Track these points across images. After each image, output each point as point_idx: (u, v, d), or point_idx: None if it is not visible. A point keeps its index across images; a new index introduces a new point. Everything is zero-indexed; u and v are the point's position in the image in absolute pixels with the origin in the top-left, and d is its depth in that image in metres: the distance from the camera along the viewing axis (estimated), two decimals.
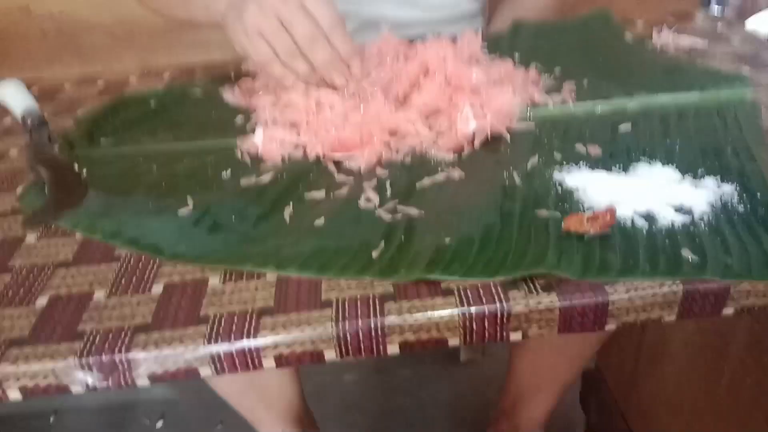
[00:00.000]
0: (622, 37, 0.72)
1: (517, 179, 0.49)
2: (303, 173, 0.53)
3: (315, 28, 0.56)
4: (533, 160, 0.51)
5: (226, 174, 0.54)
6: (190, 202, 0.50)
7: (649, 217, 0.44)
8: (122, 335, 0.38)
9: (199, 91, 0.69)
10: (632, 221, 0.44)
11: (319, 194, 0.50)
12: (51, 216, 0.51)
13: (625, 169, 0.50)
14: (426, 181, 0.51)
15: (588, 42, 0.72)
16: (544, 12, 0.87)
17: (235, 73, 0.73)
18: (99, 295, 0.42)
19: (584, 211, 0.45)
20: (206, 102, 0.67)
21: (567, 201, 0.47)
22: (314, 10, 0.56)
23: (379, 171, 0.52)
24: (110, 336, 0.38)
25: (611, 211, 0.43)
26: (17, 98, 0.69)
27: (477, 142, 0.55)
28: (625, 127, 0.55)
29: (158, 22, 1.33)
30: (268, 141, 0.56)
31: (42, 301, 0.42)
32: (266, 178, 0.53)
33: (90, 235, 0.48)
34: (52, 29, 1.35)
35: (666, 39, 0.72)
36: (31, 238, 0.49)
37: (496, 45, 0.72)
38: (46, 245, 0.48)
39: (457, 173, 0.51)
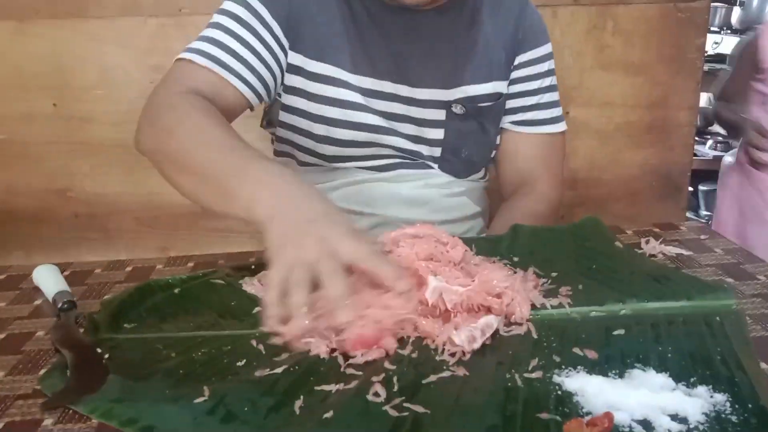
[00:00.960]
0: (612, 244, 0.78)
1: (518, 380, 0.52)
2: (314, 365, 0.56)
3: (338, 266, 0.57)
4: (534, 363, 0.54)
5: (241, 363, 0.57)
6: (206, 391, 0.52)
7: (646, 424, 0.46)
8: None
9: (220, 280, 0.74)
10: (630, 428, 0.46)
11: (329, 387, 0.53)
12: (70, 399, 0.53)
13: (621, 374, 0.53)
14: (432, 378, 0.53)
15: (581, 247, 0.78)
16: (539, 219, 0.95)
17: (256, 263, 0.79)
18: None
19: (583, 415, 0.47)
20: (227, 290, 0.72)
21: (566, 404, 0.49)
22: (348, 250, 0.58)
23: (387, 365, 0.55)
24: None
25: (609, 416, 0.46)
26: (51, 281, 0.74)
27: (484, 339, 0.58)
28: (618, 332, 0.59)
29: (180, 207, 1.44)
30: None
31: None
32: (279, 369, 0.56)
33: (107, 420, 0.50)
34: (84, 213, 1.45)
35: (653, 247, 0.78)
36: (48, 421, 0.51)
37: (496, 247, 0.78)
38: (62, 429, 0.50)
39: (461, 371, 0.54)
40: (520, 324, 0.61)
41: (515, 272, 0.69)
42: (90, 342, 0.62)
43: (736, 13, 2.95)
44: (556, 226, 0.85)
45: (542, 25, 0.99)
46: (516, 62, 0.96)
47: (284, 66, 0.89)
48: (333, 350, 0.58)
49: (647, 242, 0.80)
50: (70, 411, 0.52)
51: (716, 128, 3.60)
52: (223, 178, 0.66)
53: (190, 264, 0.83)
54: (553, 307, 0.64)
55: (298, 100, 0.90)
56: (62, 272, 0.77)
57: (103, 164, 1.41)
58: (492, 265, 0.67)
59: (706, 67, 1.64)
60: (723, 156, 2.72)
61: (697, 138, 2.09)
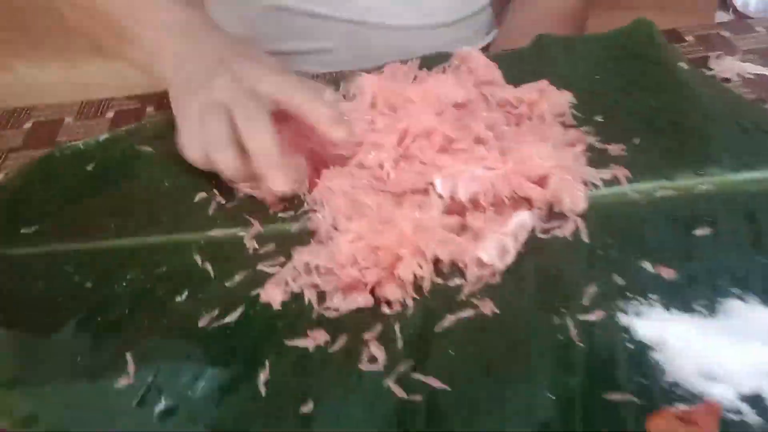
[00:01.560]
0: (675, 66, 0.57)
1: (571, 327, 0.37)
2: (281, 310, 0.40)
3: (258, 113, 0.45)
4: (590, 291, 0.39)
5: (180, 298, 0.41)
6: (130, 364, 0.37)
7: (762, 407, 0.32)
8: None
9: (147, 146, 0.54)
10: (740, 413, 0.32)
11: (304, 343, 0.38)
12: None
13: (711, 308, 0.37)
14: (449, 322, 0.38)
15: (633, 69, 0.58)
16: (569, 17, 0.72)
17: None
18: None
19: (669, 392, 0.33)
20: (157, 163, 0.53)
21: (643, 369, 0.34)
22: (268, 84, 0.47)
23: (384, 308, 0.40)
24: None
25: (714, 411, 0.31)
26: None
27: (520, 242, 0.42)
28: (702, 231, 0.42)
29: None
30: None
31: None
32: (233, 316, 0.40)
33: None
34: None
35: (728, 67, 0.58)
36: None
37: (515, 69, 0.58)
38: None
39: (488, 307, 0.39)
40: (564, 219, 0.44)
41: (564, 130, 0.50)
42: None
43: None
44: (595, 35, 0.63)
45: None
46: None
47: None
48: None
49: (718, 58, 0.60)
50: None
51: None
52: (120, 18, 0.54)
53: (110, 114, 0.62)
54: (605, 182, 0.46)
55: None
56: None
57: None
58: (532, 129, 0.48)
59: None
60: None
61: None
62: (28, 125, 0.61)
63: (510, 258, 0.41)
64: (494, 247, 0.41)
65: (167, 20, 0.52)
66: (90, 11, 0.57)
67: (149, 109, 0.62)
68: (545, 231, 0.43)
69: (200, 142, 0.46)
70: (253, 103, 0.45)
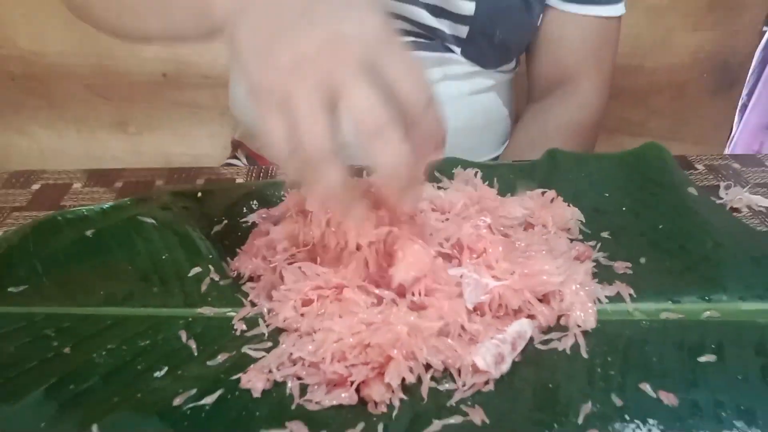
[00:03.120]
0: (684, 191, 0.58)
1: None
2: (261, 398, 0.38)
3: (383, 113, 0.35)
4: (586, 409, 0.37)
5: (159, 374, 0.40)
6: None
7: None
8: None
9: (151, 218, 0.54)
10: None
11: None
12: None
13: None
14: (435, 426, 0.36)
15: (642, 190, 0.58)
16: (580, 133, 0.74)
17: (203, 189, 0.59)
18: None
19: None
20: (158, 235, 0.52)
21: None
22: (397, 73, 0.36)
23: (370, 406, 0.37)
24: None
25: None
26: None
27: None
28: (707, 358, 0.41)
29: (138, 75, 1.20)
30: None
31: None
32: (209, 399, 0.38)
33: None
34: (21, 74, 1.21)
35: (737, 198, 0.59)
36: None
37: (527, 181, 0.58)
38: None
39: (479, 416, 0.37)
40: (565, 332, 0.43)
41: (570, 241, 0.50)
42: None
43: None
44: (608, 153, 0.64)
45: None
46: None
47: None
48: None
49: (727, 188, 0.60)
50: None
51: None
52: None
53: (118, 184, 0.62)
54: (609, 299, 0.45)
55: None
56: None
57: (38, 15, 1.15)
58: (541, 245, 0.47)
59: None
60: None
61: None
62: (36, 186, 0.62)
63: (506, 367, 0.40)
64: (491, 353, 0.39)
65: None
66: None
67: (159, 183, 0.62)
68: (544, 342, 0.42)
69: (281, 99, 0.36)
70: (361, 71, 0.35)
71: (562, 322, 0.43)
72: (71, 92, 1.22)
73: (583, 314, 0.42)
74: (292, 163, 0.36)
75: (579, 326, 0.42)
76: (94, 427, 0.35)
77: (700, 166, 0.66)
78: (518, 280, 0.42)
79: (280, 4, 0.38)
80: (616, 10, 0.76)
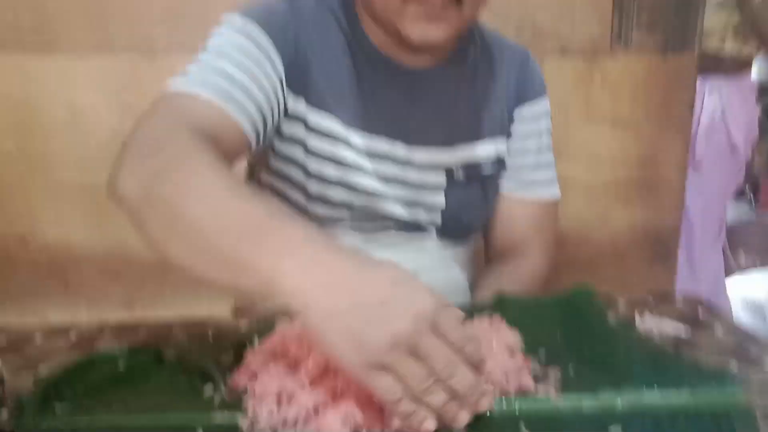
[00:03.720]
0: (605, 319, 0.72)
1: None
2: None
3: (451, 352, 0.47)
4: None
5: None
6: None
7: None
8: None
9: (172, 353, 0.66)
10: None
11: None
12: None
13: None
14: None
15: (572, 321, 0.72)
16: (527, 288, 0.89)
17: (213, 331, 0.71)
18: None
19: None
20: (178, 368, 0.64)
21: None
22: (448, 329, 0.47)
23: None
24: None
25: None
26: None
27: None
28: (615, 429, 0.52)
29: (148, 259, 1.36)
30: None
31: None
32: None
33: None
34: (44, 261, 1.36)
35: (649, 324, 0.72)
36: None
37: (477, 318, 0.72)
38: None
39: None
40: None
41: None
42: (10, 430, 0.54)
43: None
44: (545, 297, 0.79)
45: (542, 80, 0.95)
46: (515, 116, 0.92)
47: (282, 110, 0.80)
48: None
49: (642, 317, 0.74)
50: None
51: None
52: (236, 245, 0.50)
53: (142, 332, 0.75)
54: (541, 396, 0.57)
55: (297, 151, 0.82)
56: None
57: (66, 209, 1.34)
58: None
59: None
60: None
61: None
62: (73, 336, 0.74)
63: None
64: None
65: (293, 239, 0.50)
66: (197, 245, 0.54)
67: (175, 331, 0.75)
68: None
69: (384, 366, 0.46)
70: (441, 343, 0.47)
71: None
72: (86, 276, 1.37)
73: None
74: (404, 401, 0.47)
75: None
76: None
77: (621, 302, 0.80)
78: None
79: (357, 294, 0.47)
80: (555, 193, 0.96)
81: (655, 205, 1.42)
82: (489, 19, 0.94)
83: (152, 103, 0.69)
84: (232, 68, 0.73)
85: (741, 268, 2.32)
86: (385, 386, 0.46)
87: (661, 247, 1.43)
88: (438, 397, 0.47)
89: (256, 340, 0.69)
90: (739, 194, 2.62)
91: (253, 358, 0.62)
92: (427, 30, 0.74)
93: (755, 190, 2.50)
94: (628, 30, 1.37)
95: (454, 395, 0.48)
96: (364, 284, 0.47)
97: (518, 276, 0.92)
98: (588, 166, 1.41)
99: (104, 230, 1.34)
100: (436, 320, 0.47)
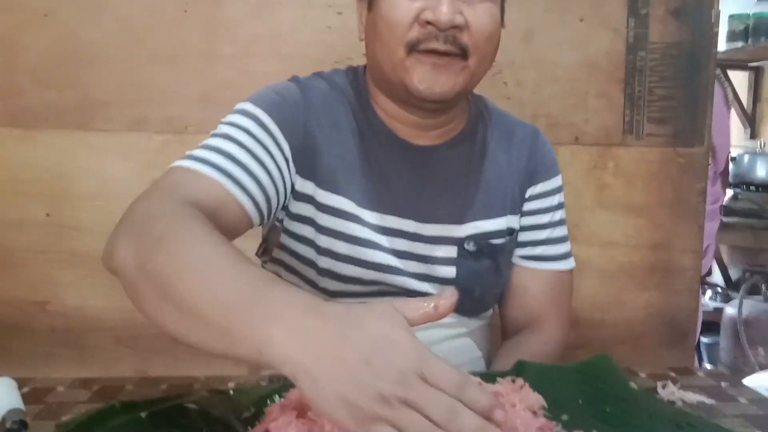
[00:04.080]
0: (626, 385, 0.72)
1: None
2: None
3: (449, 398, 0.46)
4: None
5: None
6: None
7: None
8: None
9: (194, 404, 0.67)
10: None
11: None
12: None
13: None
14: None
15: (593, 388, 0.71)
16: (545, 361, 0.88)
17: (235, 387, 0.72)
18: None
19: None
20: (199, 416, 0.64)
21: None
22: (438, 376, 0.47)
23: None
24: None
25: None
26: (3, 397, 0.66)
27: None
28: None
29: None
30: None
31: None
32: None
33: None
34: (62, 327, 1.37)
35: (672, 393, 0.72)
36: None
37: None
38: None
39: None
40: None
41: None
42: None
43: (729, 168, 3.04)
44: (565, 363, 0.79)
45: (554, 157, 0.98)
46: (528, 194, 0.94)
47: (289, 191, 0.83)
48: None
49: (664, 387, 0.74)
50: None
51: (714, 278, 3.60)
52: (226, 314, 0.51)
53: (164, 386, 0.75)
54: None
55: (306, 229, 0.85)
56: (21, 388, 0.70)
57: (88, 276, 1.36)
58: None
59: None
60: (723, 307, 2.69)
61: None
62: (95, 388, 0.74)
63: None
64: None
65: (275, 310, 0.50)
66: (190, 317, 0.54)
67: (196, 386, 0.75)
68: None
69: (377, 418, 0.46)
70: (438, 396, 0.46)
71: None
72: (101, 344, 1.37)
73: None
74: None
75: None
76: None
77: (643, 375, 0.80)
78: None
79: (340, 359, 0.47)
80: (569, 264, 0.97)
81: (671, 289, 1.42)
82: (505, 107, 1.00)
83: (160, 178, 0.73)
84: (235, 149, 0.76)
85: (762, 366, 2.27)
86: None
87: (678, 330, 1.42)
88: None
89: (276, 397, 0.69)
90: (755, 289, 2.61)
91: (272, 413, 0.62)
92: (433, 82, 0.78)
93: None
94: (640, 122, 1.43)
95: None
96: (346, 347, 0.47)
97: (535, 348, 0.91)
98: (602, 250, 1.42)
99: (122, 297, 1.35)
100: (424, 370, 0.46)
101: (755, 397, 0.74)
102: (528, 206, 0.94)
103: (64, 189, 1.35)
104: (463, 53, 0.78)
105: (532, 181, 0.94)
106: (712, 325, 2.87)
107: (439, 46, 0.76)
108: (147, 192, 0.70)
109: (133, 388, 0.75)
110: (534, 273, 0.95)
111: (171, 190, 0.71)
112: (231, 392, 0.71)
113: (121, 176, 1.35)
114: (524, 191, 0.94)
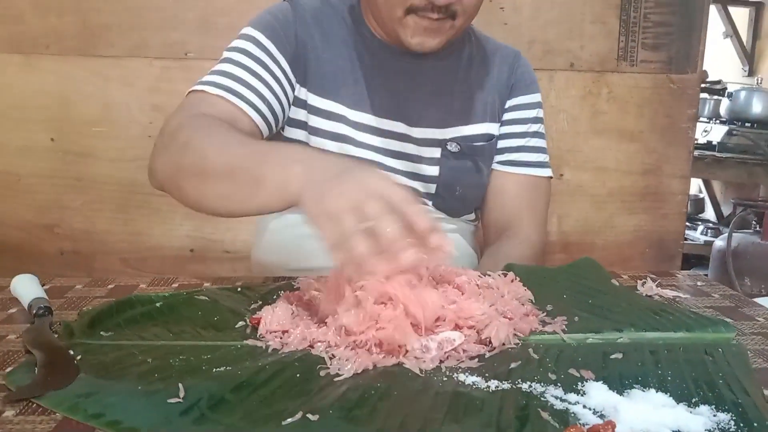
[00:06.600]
0: (609, 282, 0.77)
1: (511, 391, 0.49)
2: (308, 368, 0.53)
3: (387, 206, 0.56)
4: (528, 378, 0.52)
5: (221, 369, 0.54)
6: (181, 391, 0.49)
7: None
8: None
9: (204, 296, 0.72)
10: None
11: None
12: (35, 393, 0.50)
13: (620, 392, 0.50)
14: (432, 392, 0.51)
15: (577, 284, 0.77)
16: (525, 263, 0.93)
17: (242, 285, 0.76)
18: None
19: (582, 425, 0.45)
20: (210, 306, 0.69)
21: (563, 416, 0.46)
22: (389, 192, 0.57)
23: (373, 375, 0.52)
24: None
25: (612, 425, 0.43)
26: (28, 289, 0.71)
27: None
28: (616, 356, 0.56)
29: (169, 250, 1.42)
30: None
31: None
32: (263, 375, 0.53)
33: (71, 414, 0.47)
34: (70, 250, 1.42)
35: (650, 288, 0.77)
36: (9, 413, 0.47)
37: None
38: (23, 421, 0.46)
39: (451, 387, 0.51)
40: (514, 346, 0.59)
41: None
42: (63, 345, 0.59)
43: (725, 104, 3.05)
44: (552, 266, 0.84)
45: (533, 75, 1.05)
46: (507, 105, 1.01)
47: (291, 99, 0.92)
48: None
49: (643, 284, 0.79)
50: (34, 404, 0.49)
51: (707, 215, 3.66)
52: (250, 167, 0.65)
53: (175, 285, 0.80)
54: (548, 333, 0.62)
55: (299, 132, 0.94)
56: (42, 285, 0.75)
57: (94, 201, 1.41)
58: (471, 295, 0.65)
59: (696, 153, 1.66)
60: (714, 241, 2.75)
61: (687, 223, 2.13)
62: (111, 286, 0.79)
63: (430, 355, 0.55)
64: (419, 345, 0.55)
65: (289, 155, 0.65)
66: (224, 177, 0.67)
67: (206, 284, 0.80)
68: (491, 350, 0.58)
69: (339, 238, 0.56)
70: (380, 203, 0.55)
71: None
72: (109, 265, 1.43)
73: (500, 332, 0.59)
74: (340, 248, 0.56)
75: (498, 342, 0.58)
76: (180, 387, 0.50)
77: (625, 276, 0.85)
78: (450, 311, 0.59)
79: (337, 178, 0.59)
80: (544, 172, 1.02)
81: (660, 213, 1.47)
82: (502, 34, 1.03)
83: (180, 104, 0.84)
84: (239, 71, 0.87)
85: (748, 295, 2.34)
86: (329, 231, 0.56)
87: (666, 252, 1.47)
88: (363, 244, 0.55)
89: (280, 293, 0.74)
90: (745, 224, 2.66)
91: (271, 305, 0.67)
92: (424, 41, 0.87)
93: (760, 218, 2.54)
94: (634, 49, 1.44)
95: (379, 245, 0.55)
96: (345, 173, 0.59)
97: (515, 251, 0.95)
98: (594, 175, 1.46)
99: (128, 221, 1.40)
100: (390, 199, 0.56)
101: (726, 293, 0.79)
102: (507, 116, 1.01)
103: (68, 115, 1.38)
104: (452, 16, 0.86)
105: (512, 94, 1.01)
106: (703, 259, 2.95)
107: (433, 15, 0.85)
108: (170, 116, 0.81)
109: (147, 287, 0.80)
110: (511, 177, 1.01)
111: (188, 109, 0.82)
112: (239, 289, 0.75)
113: (123, 101, 1.38)
114: (504, 102, 1.01)
